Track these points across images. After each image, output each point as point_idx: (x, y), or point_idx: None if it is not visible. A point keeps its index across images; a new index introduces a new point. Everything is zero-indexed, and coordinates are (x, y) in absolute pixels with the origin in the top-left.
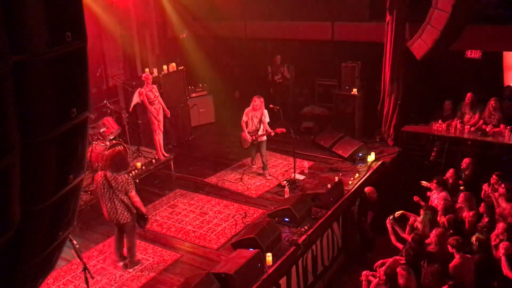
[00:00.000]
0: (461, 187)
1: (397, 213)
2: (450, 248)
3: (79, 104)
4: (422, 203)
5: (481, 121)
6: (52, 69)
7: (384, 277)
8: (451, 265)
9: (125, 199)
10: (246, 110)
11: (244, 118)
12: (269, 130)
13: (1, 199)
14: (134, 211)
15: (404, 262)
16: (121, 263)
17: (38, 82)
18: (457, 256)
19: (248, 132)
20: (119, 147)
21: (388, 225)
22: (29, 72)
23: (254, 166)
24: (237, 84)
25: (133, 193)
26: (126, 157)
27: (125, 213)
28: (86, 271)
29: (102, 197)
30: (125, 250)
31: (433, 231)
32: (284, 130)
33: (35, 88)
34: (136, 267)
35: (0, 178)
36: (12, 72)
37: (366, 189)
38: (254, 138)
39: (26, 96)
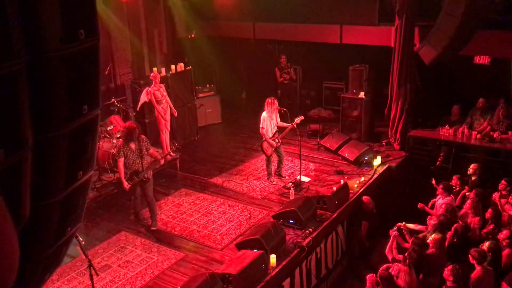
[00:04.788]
0: (467, 193)
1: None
2: (471, 259)
3: (90, 101)
4: (427, 209)
5: (489, 128)
6: (65, 66)
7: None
8: (472, 276)
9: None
10: (262, 116)
11: (263, 125)
12: (289, 124)
13: (12, 194)
14: (122, 175)
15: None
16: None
17: (51, 78)
18: (478, 268)
19: (270, 138)
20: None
21: (392, 238)
22: (43, 68)
23: (273, 179)
24: (244, 85)
25: (119, 160)
26: (135, 133)
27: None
28: (91, 268)
29: None
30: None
31: (432, 236)
32: (302, 117)
33: (48, 85)
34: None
35: (12, 173)
36: (26, 68)
37: (364, 198)
38: (278, 141)
39: (39, 92)
